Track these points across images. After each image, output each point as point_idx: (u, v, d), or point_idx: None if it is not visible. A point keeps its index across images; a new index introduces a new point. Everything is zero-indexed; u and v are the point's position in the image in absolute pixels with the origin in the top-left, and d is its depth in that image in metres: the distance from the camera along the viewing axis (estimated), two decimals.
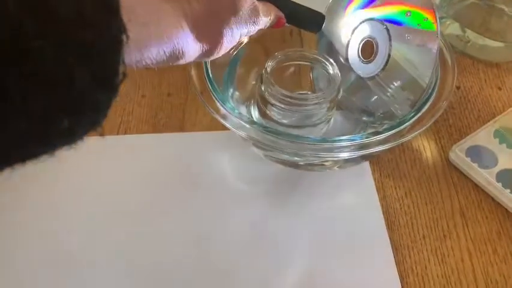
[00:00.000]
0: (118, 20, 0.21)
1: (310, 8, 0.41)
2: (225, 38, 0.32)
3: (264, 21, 0.35)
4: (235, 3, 0.32)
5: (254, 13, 0.34)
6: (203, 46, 0.31)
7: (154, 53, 0.27)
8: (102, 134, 0.23)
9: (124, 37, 0.21)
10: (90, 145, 0.48)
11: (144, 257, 0.39)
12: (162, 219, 0.41)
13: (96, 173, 0.45)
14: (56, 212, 0.42)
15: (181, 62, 0.30)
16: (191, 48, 0.30)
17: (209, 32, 0.31)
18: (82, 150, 0.48)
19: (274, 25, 0.38)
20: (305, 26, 0.42)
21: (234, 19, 0.32)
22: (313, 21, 0.41)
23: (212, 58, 0.33)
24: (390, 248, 0.39)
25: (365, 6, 0.43)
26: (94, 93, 0.21)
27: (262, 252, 0.39)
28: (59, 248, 0.40)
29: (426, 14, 0.40)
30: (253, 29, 0.35)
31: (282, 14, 0.38)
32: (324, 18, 0.41)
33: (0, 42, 0.17)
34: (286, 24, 0.39)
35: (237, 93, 0.47)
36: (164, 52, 0.28)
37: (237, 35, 0.33)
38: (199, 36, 0.30)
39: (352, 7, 0.44)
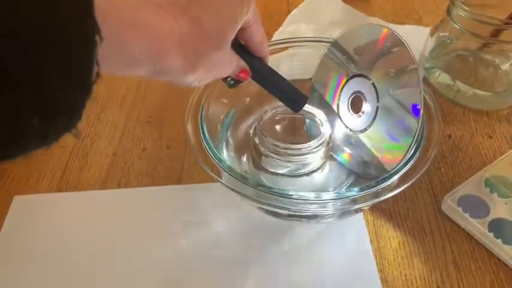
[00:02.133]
0: (91, 20, 0.21)
1: (296, 88, 0.41)
2: (202, 65, 0.31)
3: (235, 66, 0.36)
4: (220, 39, 0.32)
5: (233, 56, 0.35)
6: (183, 60, 0.30)
7: (133, 52, 0.27)
8: (77, 136, 0.23)
9: (97, 38, 0.21)
10: (92, 198, 0.50)
11: None
12: (162, 271, 0.42)
13: (96, 225, 0.46)
14: (56, 262, 0.43)
15: (158, 66, 0.29)
16: (172, 56, 0.29)
17: (191, 51, 0.30)
18: (84, 203, 0.50)
19: (241, 75, 0.37)
20: (286, 102, 0.42)
21: (214, 53, 0.32)
22: (295, 100, 0.41)
23: (185, 80, 0.32)
24: None
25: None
26: (65, 93, 0.21)
27: None
28: None
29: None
30: (225, 72, 0.35)
31: (246, 66, 0.37)
32: (307, 101, 0.42)
33: None
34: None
35: (232, 143, 0.49)
36: (141, 53, 0.27)
37: (213, 69, 0.33)
38: (181, 49, 0.29)
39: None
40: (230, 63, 0.35)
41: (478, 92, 0.55)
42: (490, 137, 0.53)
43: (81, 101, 0.22)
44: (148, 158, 0.52)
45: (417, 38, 0.61)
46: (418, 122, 0.41)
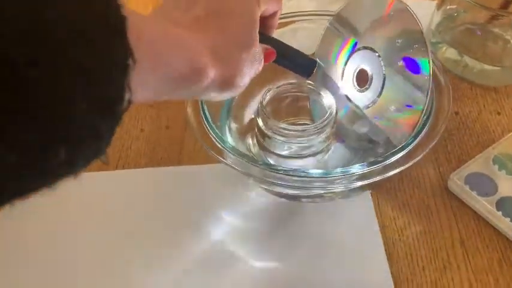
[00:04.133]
0: (123, 42, 0.19)
1: (303, 53, 0.40)
2: (238, 71, 0.30)
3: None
4: (248, 40, 0.31)
5: (260, 52, 0.33)
6: (221, 71, 0.29)
7: (171, 71, 0.25)
8: (106, 163, 0.22)
9: (130, 61, 0.19)
10: (89, 180, 0.48)
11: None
12: (158, 253, 0.41)
13: (94, 207, 0.45)
14: (55, 244, 0.42)
15: (198, 85, 0.27)
16: (210, 69, 0.27)
17: (225, 60, 0.29)
18: (81, 184, 0.49)
19: (268, 59, 0.36)
20: (295, 69, 0.41)
21: (246, 55, 0.31)
22: (304, 66, 0.40)
23: (230, 91, 0.31)
24: (392, 282, 0.38)
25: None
26: (94, 122, 0.19)
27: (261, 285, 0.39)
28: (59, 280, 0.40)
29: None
30: (259, 68, 0.34)
31: (268, 47, 0.36)
32: (316, 65, 0.40)
33: None
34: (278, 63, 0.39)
35: (235, 126, 0.48)
36: (180, 71, 0.25)
37: (248, 72, 0.32)
38: (216, 60, 0.28)
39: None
40: (260, 57, 0.33)
41: (486, 67, 0.53)
42: (498, 114, 0.51)
43: (110, 129, 0.20)
44: (147, 139, 0.50)
45: (423, 12, 0.58)
46: (427, 93, 0.40)
